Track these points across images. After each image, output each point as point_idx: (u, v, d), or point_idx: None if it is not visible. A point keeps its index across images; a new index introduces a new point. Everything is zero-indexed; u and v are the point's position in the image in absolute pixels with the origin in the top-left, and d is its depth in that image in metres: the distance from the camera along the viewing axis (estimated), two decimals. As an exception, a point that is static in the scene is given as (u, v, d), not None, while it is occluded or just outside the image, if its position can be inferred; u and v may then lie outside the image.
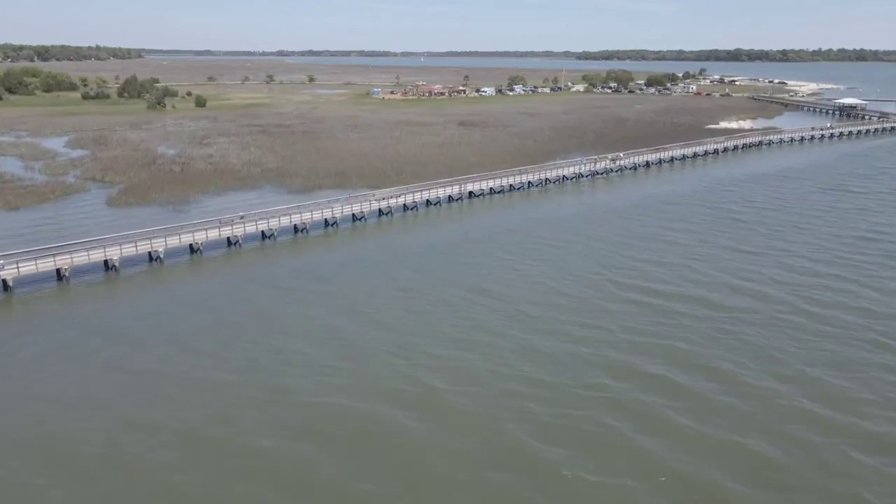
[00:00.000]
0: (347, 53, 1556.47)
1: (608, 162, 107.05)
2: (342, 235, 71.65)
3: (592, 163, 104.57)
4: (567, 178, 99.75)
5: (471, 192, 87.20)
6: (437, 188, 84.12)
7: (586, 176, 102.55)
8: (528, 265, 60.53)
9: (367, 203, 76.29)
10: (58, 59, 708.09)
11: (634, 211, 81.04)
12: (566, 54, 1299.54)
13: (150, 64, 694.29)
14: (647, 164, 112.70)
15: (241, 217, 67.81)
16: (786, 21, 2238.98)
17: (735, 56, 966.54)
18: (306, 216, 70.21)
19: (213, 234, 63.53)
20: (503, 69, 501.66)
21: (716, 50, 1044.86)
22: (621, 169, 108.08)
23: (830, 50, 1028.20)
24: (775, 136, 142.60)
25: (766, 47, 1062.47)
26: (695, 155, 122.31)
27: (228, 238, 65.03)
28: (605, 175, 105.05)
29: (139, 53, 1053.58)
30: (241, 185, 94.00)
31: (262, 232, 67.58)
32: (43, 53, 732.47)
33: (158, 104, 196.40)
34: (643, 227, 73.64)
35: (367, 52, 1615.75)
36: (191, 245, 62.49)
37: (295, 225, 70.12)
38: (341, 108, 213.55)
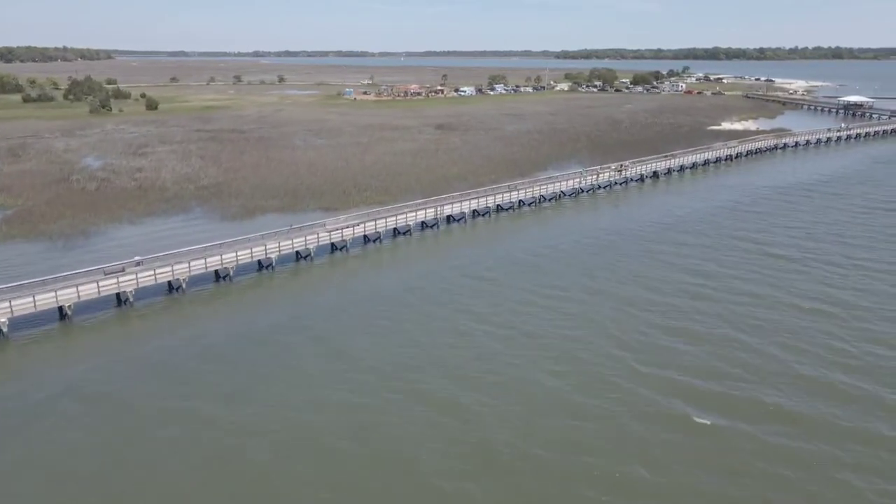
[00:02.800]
0: (325, 54, 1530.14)
1: (612, 172, 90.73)
2: (278, 282, 54.20)
3: (594, 174, 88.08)
4: (565, 194, 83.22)
5: (449, 217, 70.24)
6: (406, 212, 67.01)
7: (586, 191, 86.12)
8: (500, 350, 41.46)
9: (315, 235, 58.85)
10: (22, 61, 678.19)
11: (647, 244, 63.71)
12: (545, 53, 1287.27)
13: (118, 65, 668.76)
14: (655, 175, 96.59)
15: (138, 263, 50.08)
16: (762, 20, 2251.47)
17: (713, 55, 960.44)
18: (229, 257, 52.69)
19: (88, 289, 45.77)
20: (482, 68, 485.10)
21: (694, 49, 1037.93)
22: (626, 181, 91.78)
23: (806, 48, 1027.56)
24: (790, 140, 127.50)
25: (743, 46, 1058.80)
26: (706, 162, 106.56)
27: (117, 294, 47.43)
28: (608, 189, 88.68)
29: (109, 55, 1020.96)
30: (166, 208, 76.08)
31: (169, 283, 50.06)
32: (6, 55, 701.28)
33: (103, 107, 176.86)
34: (662, 270, 55.91)
35: (345, 52, 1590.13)
36: (60, 308, 44.75)
37: (216, 270, 52.65)
38: (308, 110, 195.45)
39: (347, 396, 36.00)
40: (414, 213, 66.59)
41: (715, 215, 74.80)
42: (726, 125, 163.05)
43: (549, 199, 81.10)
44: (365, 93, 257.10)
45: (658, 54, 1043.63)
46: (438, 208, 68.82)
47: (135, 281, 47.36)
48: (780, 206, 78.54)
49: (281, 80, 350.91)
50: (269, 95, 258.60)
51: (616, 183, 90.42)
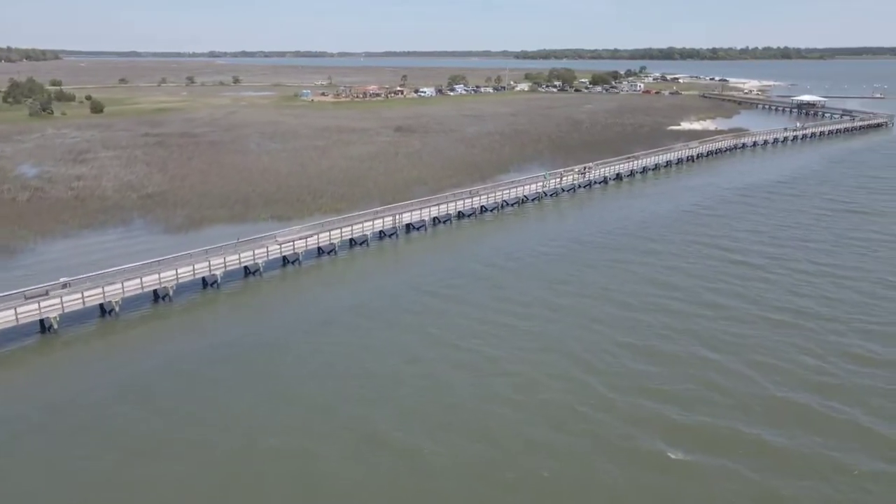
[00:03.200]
0: (282, 54, 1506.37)
1: (576, 175, 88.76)
2: (223, 301, 50.21)
3: (557, 177, 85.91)
4: (528, 199, 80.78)
5: (408, 226, 66.98)
6: (362, 221, 63.47)
7: (550, 194, 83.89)
8: (456, 379, 38.46)
9: (264, 249, 54.95)
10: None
11: (613, 252, 61.07)
12: (504, 54, 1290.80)
13: (65, 66, 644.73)
14: (619, 177, 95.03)
15: (64, 285, 45.48)
16: (715, 21, 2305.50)
17: (668, 55, 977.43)
18: (168, 275, 48.49)
19: (5, 316, 41.05)
20: (443, 69, 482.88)
21: (650, 49, 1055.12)
22: (590, 184, 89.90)
23: (756, 48, 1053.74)
24: (749, 139, 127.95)
25: (696, 46, 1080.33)
26: (668, 164, 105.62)
27: (41, 321, 42.87)
28: (571, 192, 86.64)
29: (56, 55, 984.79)
30: (105, 219, 70.97)
31: (101, 306, 45.63)
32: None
33: (44, 110, 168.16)
34: (628, 282, 52.90)
35: (303, 52, 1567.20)
36: (-28, 336, 40.11)
37: (154, 290, 48.39)
38: (263, 112, 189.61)
39: (285, 442, 32.26)
40: (371, 223, 63.12)
41: (679, 219, 73.20)
42: (685, 125, 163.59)
43: (512, 205, 78.59)
44: (323, 94, 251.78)
45: (615, 54, 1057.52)
46: (397, 216, 65.50)
47: (60, 305, 42.84)
48: (743, 210, 77.23)
49: (236, 80, 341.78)
50: (222, 97, 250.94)
51: (580, 186, 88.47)
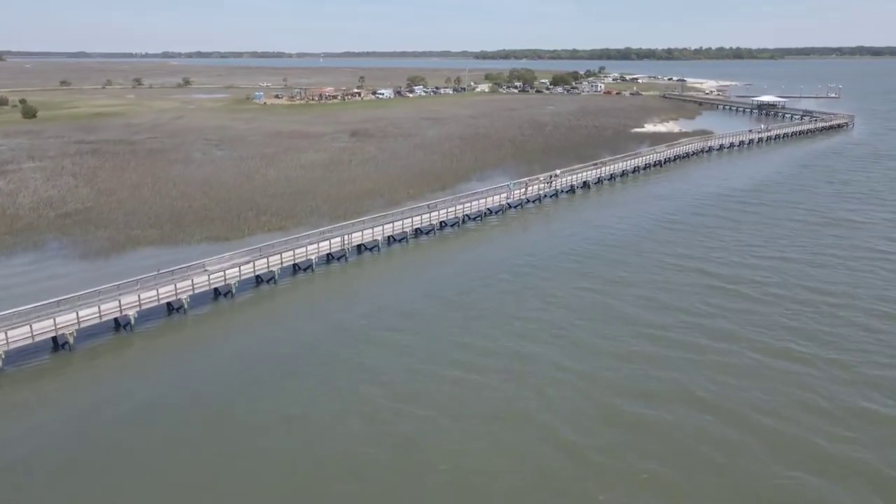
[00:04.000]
0: (239, 55, 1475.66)
1: (541, 184, 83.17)
2: (137, 348, 42.70)
3: (522, 187, 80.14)
4: (491, 212, 74.79)
5: (360, 246, 60.19)
6: (307, 242, 56.42)
7: (515, 206, 78.08)
8: (414, 442, 32.55)
9: (189, 282, 47.52)
10: None
11: (582, 277, 54.97)
12: (464, 54, 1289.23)
13: (8, 67, 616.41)
14: (586, 185, 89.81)
15: (-67, 336, 37.51)
16: (670, 21, 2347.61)
17: (625, 55, 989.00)
18: (67, 319, 40.73)
19: None
20: (402, 69, 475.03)
21: (607, 49, 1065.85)
22: (557, 193, 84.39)
23: (710, 48, 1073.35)
24: (715, 142, 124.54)
25: (653, 46, 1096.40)
26: (636, 169, 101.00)
27: None
28: (537, 203, 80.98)
29: (0, 56, 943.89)
30: (13, 243, 62.36)
31: (-19, 359, 37.75)
32: None
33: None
34: (601, 316, 47.89)
35: (261, 53, 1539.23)
36: None
37: (53, 337, 40.63)
38: (212, 116, 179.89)
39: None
40: (316, 245, 56.09)
41: (651, 232, 67.83)
42: (649, 127, 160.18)
43: (474, 218, 72.42)
44: (277, 96, 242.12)
45: (574, 54, 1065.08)
46: (347, 237, 58.56)
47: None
48: (717, 222, 71.87)
49: (186, 82, 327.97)
50: (170, 100, 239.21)
51: (546, 195, 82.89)
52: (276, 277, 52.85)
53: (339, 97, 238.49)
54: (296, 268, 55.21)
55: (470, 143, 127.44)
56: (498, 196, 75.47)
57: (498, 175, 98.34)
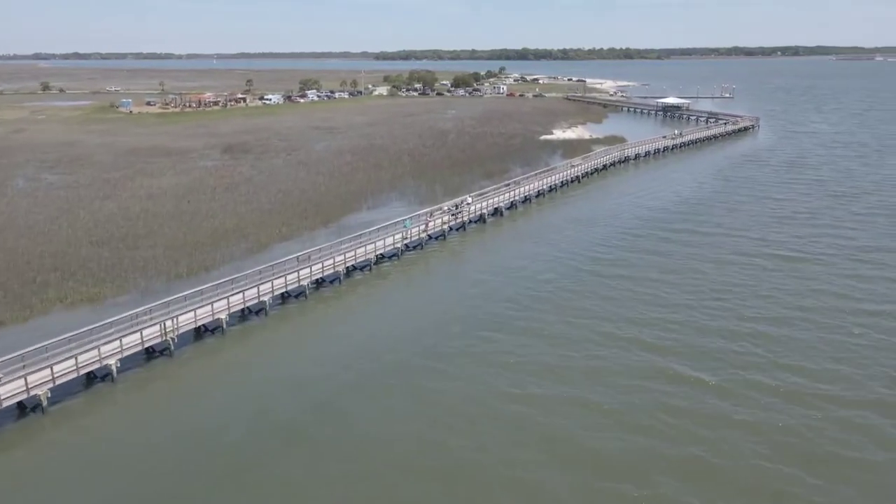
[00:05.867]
0: (122, 56, 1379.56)
1: (446, 215, 68.60)
2: None
3: (422, 222, 65.12)
4: (384, 257, 59.37)
5: (201, 328, 42.97)
6: (106, 340, 38.45)
7: (413, 246, 63.03)
8: None
9: None
10: None
11: (497, 355, 40.95)
12: (364, 55, 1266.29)
13: None
14: (497, 211, 76.18)
15: None
16: (565, 22, 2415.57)
17: (523, 55, 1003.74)
18: None
19: None
20: (297, 71, 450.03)
21: (506, 49, 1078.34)
22: (464, 225, 70.11)
23: (602, 49, 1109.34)
24: (631, 151, 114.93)
25: (548, 46, 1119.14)
26: (551, 189, 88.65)
27: None
28: (441, 239, 66.33)
29: None
30: None
31: None
32: None
33: None
34: (501, 442, 34.35)
35: (147, 54, 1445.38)
36: None
37: None
38: (63, 128, 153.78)
39: None
40: (118, 341, 38.32)
41: (577, 282, 52.90)
42: (558, 133, 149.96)
43: (362, 269, 56.69)
44: (149, 103, 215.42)
45: (473, 55, 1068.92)
46: (172, 320, 41.06)
47: None
48: (650, 263, 58.05)
49: (45, 88, 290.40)
50: (20, 108, 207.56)
51: (452, 228, 68.42)
52: (44, 406, 34.81)
53: (222, 104, 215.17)
54: (90, 378, 37.41)
55: (363, 157, 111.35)
56: (391, 238, 59.94)
57: (393, 200, 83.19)
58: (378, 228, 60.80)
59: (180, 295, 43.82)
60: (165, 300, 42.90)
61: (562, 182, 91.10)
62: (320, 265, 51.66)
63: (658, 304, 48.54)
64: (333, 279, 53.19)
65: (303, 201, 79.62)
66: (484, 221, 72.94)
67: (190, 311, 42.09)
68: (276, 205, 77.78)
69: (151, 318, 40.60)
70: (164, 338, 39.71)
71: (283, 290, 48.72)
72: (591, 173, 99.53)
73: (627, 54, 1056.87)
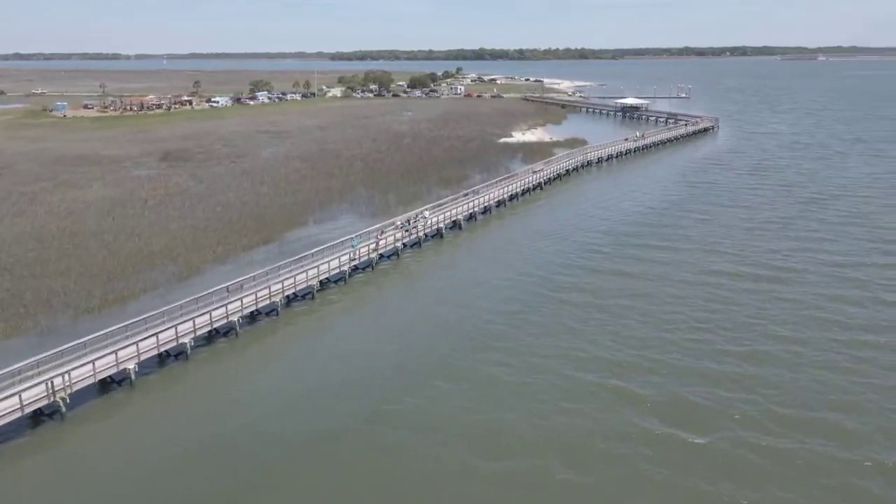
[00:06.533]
0: (67, 56, 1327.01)
1: (399, 230, 62.70)
2: None
3: (372, 241, 59.09)
4: (330, 281, 53.16)
5: (106, 380, 36.14)
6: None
7: (363, 267, 56.99)
8: None
9: None
10: None
11: (456, 400, 36.20)
12: (319, 55, 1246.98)
13: None
14: (455, 224, 70.64)
15: None
16: (521, 23, 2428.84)
17: (479, 55, 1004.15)
18: None
19: None
20: (249, 72, 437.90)
21: (462, 49, 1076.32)
22: (419, 241, 64.32)
23: (558, 49, 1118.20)
24: (593, 154, 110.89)
25: (505, 47, 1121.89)
26: (512, 197, 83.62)
27: None
28: (394, 258, 60.42)
29: None
30: None
31: None
32: None
33: None
34: (474, 484, 29.45)
35: (93, 54, 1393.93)
36: None
37: None
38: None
39: None
40: (18, 396, 31.39)
41: (537, 318, 46.48)
42: (518, 135, 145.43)
43: (304, 297, 50.37)
44: (86, 106, 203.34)
45: (430, 55, 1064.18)
46: (68, 374, 34.18)
47: None
48: (619, 285, 52.57)
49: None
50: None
51: (406, 245, 62.56)
52: None
53: (165, 106, 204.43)
54: (-42, 450, 30.49)
55: (313, 164, 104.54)
56: (338, 260, 53.74)
57: (343, 212, 77.01)
58: (322, 249, 54.53)
59: (79, 342, 36.80)
60: (59, 349, 35.89)
61: (523, 189, 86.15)
62: (253, 296, 45.15)
63: (630, 339, 43.40)
64: (270, 311, 46.74)
65: (243, 216, 72.61)
66: (441, 236, 67.26)
67: (87, 363, 35.14)
68: (212, 220, 70.62)
69: (40, 372, 33.62)
70: (51, 399, 32.80)
71: (209, 327, 42.05)
72: (554, 179, 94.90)
73: (583, 54, 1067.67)
